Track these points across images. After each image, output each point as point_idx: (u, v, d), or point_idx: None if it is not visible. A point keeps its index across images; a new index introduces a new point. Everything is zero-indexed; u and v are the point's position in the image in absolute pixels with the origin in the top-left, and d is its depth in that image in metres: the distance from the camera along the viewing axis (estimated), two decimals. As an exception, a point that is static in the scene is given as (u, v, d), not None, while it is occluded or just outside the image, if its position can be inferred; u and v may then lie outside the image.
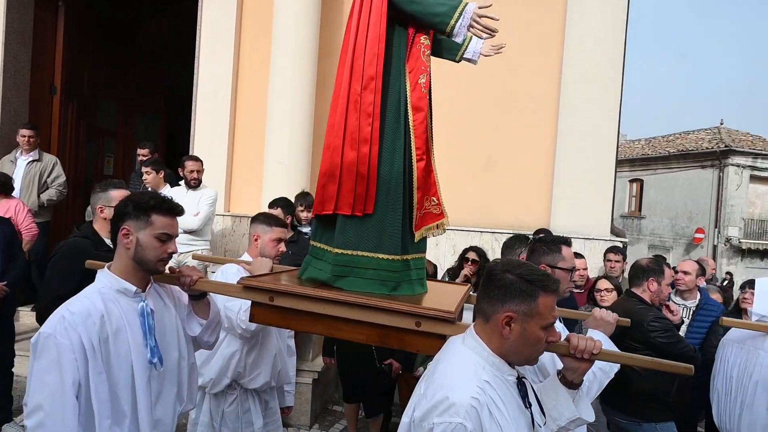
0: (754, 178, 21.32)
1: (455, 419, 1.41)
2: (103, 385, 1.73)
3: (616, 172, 7.37)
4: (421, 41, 2.13)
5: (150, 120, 9.51)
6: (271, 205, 4.85)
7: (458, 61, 2.43)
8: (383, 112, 2.08)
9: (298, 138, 6.75)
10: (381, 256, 2.05)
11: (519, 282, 1.55)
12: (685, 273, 4.13)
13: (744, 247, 21.09)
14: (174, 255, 2.00)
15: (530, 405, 1.58)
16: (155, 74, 9.16)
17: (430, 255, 5.97)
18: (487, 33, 2.03)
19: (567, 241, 2.50)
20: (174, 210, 1.95)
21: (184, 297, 2.14)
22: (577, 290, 4.84)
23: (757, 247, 21.11)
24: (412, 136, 2.09)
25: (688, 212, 22.35)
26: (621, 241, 7.03)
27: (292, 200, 5.13)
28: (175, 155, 6.98)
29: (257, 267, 2.58)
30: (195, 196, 5.24)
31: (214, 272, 2.53)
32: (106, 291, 1.87)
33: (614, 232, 7.47)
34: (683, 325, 3.97)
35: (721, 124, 23.90)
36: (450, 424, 1.41)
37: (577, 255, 4.83)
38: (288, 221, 4.67)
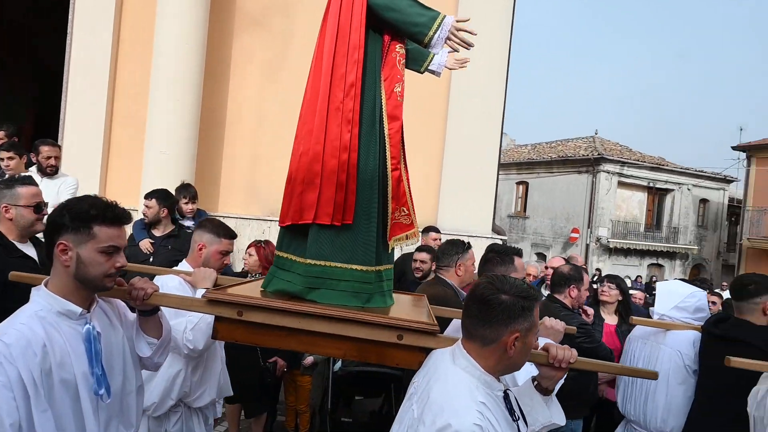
0: (621, 184, 23.38)
1: None
2: (48, 422, 1.52)
3: (498, 175, 7.75)
4: (397, 49, 2.12)
5: (15, 100, 8.37)
6: (147, 196, 4.46)
7: (422, 72, 2.45)
8: (360, 120, 2.05)
9: (183, 127, 6.28)
10: (355, 267, 2.01)
11: (517, 301, 1.58)
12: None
13: (611, 246, 23.06)
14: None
15: (518, 418, 1.63)
16: (22, 49, 8.04)
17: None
18: (463, 46, 2.05)
19: (519, 252, 2.58)
20: (121, 218, 1.73)
21: (130, 313, 1.94)
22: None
23: (622, 246, 23.19)
24: (387, 145, 2.08)
25: (566, 213, 24.07)
26: (501, 239, 7.49)
27: (173, 192, 4.68)
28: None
29: (200, 278, 2.41)
30: (53, 186, 4.59)
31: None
32: (45, 314, 1.62)
33: (495, 230, 8.00)
34: None
35: (596, 133, 26.01)
36: None
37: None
38: (164, 214, 4.36)
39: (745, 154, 21.38)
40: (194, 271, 2.51)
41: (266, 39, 7.03)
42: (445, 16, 2.01)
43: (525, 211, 26.53)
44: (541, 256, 24.56)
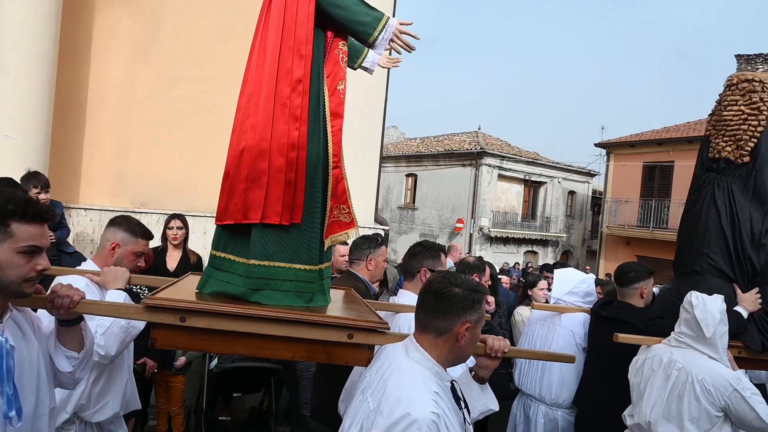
0: (501, 177, 24.74)
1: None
2: None
3: (381, 166, 7.80)
4: (340, 46, 2.13)
5: None
6: None
7: (355, 69, 2.46)
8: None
9: (33, 109, 5.44)
10: (299, 266, 2.00)
11: (469, 293, 1.71)
12: None
13: (492, 235, 24.34)
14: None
15: (463, 407, 1.76)
16: None
17: (197, 244, 5.24)
18: (406, 49, 2.10)
19: (443, 249, 2.76)
20: (43, 215, 1.56)
21: (44, 323, 1.76)
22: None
23: (501, 235, 24.53)
24: (330, 143, 2.06)
25: (452, 205, 24.99)
26: (383, 229, 7.84)
27: (18, 181, 4.09)
28: None
29: (111, 278, 2.25)
30: None
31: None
32: None
33: (378, 220, 8.26)
34: None
35: (479, 129, 27.08)
36: None
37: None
38: None
39: (605, 150, 23.48)
40: (104, 271, 2.31)
41: (134, 16, 6.34)
42: (389, 18, 2.05)
43: (414, 202, 27.17)
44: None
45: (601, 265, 22.76)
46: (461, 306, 1.69)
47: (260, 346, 1.82)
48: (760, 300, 3.06)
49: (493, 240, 25.06)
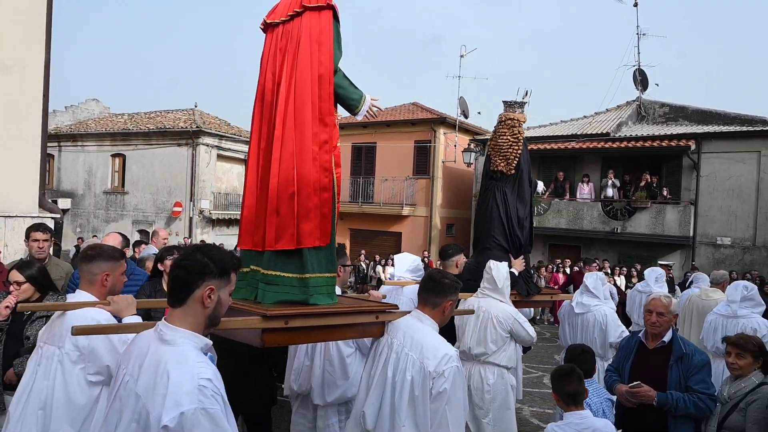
0: (220, 157, 25.06)
1: (454, 363, 2.60)
2: None
3: (44, 145, 7.17)
4: (335, 113, 2.91)
5: None
6: None
7: None
8: None
9: None
10: (329, 275, 2.77)
11: (453, 283, 2.87)
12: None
13: (214, 218, 24.59)
14: None
15: None
16: None
17: None
18: (373, 117, 3.11)
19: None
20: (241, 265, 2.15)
21: None
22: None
23: (224, 216, 24.97)
24: (336, 186, 2.90)
25: (168, 187, 24.30)
26: (53, 217, 7.11)
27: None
28: None
29: (124, 307, 2.52)
30: None
31: None
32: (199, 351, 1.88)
33: (47, 207, 7.38)
34: None
35: (195, 106, 26.52)
36: (453, 367, 2.58)
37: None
38: None
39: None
40: (114, 300, 2.55)
41: None
42: (366, 95, 2.99)
43: (123, 185, 25.13)
44: (144, 233, 23.90)
45: (321, 239, 25.36)
46: (448, 290, 2.81)
47: (328, 333, 2.61)
48: (524, 263, 4.98)
49: (215, 222, 25.21)
